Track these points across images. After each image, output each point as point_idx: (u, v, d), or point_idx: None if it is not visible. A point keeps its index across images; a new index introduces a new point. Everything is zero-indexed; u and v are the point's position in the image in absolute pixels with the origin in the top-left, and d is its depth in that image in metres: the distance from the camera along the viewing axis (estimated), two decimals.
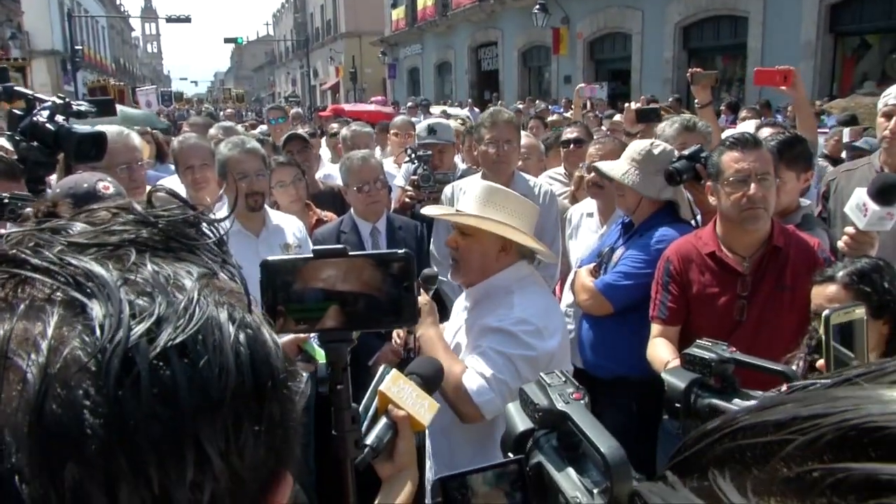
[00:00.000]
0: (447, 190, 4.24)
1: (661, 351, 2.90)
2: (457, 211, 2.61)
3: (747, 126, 5.84)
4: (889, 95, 3.60)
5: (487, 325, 2.45)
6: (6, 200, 2.08)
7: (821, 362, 1.88)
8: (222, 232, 0.61)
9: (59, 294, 0.49)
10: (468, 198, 2.59)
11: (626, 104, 6.19)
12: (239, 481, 0.51)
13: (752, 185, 2.76)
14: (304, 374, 1.37)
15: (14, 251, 0.52)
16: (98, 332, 0.47)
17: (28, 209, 0.62)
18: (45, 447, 0.44)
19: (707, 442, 0.43)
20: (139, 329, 0.48)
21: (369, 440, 1.52)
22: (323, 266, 1.21)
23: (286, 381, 0.57)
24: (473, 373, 2.37)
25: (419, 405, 1.64)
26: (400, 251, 1.26)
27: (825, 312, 1.72)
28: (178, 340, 0.49)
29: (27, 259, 0.51)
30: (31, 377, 0.45)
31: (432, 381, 1.77)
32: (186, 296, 0.52)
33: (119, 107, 8.97)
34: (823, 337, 1.71)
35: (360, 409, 1.64)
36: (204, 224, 0.60)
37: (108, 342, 0.47)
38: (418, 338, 2.58)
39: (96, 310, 0.48)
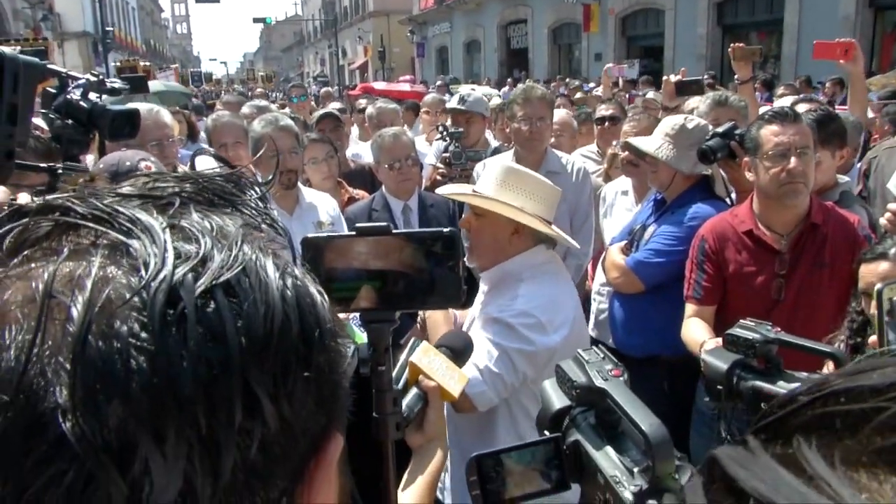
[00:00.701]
0: (479, 167, 4.22)
1: (696, 331, 2.86)
2: (473, 191, 2.53)
3: (784, 102, 5.73)
4: None
5: (490, 315, 2.38)
6: (60, 171, 2.10)
7: (873, 338, 1.83)
8: (265, 190, 0.60)
9: (104, 239, 0.49)
10: (486, 177, 2.51)
11: (666, 77, 6.03)
12: (289, 430, 0.50)
13: (793, 159, 2.70)
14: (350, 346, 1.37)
15: (60, 201, 0.51)
16: (143, 270, 0.47)
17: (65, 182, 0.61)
18: (88, 384, 0.43)
19: (794, 407, 0.42)
20: (184, 268, 0.47)
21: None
22: (366, 244, 1.18)
23: (334, 334, 0.55)
24: (469, 363, 2.32)
25: (449, 376, 1.64)
26: (445, 230, 1.24)
27: (878, 287, 1.68)
28: (222, 279, 0.48)
29: (73, 207, 0.50)
30: (74, 313, 0.44)
31: (462, 353, 1.77)
32: (231, 240, 0.51)
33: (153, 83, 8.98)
34: (876, 312, 1.66)
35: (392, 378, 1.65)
36: (245, 183, 0.59)
37: (153, 279, 0.46)
38: (426, 319, 2.51)
39: (141, 250, 0.48)
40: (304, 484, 0.54)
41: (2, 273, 0.47)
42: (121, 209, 0.50)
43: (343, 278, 1.19)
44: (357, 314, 1.30)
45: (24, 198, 1.93)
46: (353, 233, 1.18)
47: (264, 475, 0.49)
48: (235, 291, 0.48)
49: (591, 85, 15.01)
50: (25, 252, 0.49)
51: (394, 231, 1.19)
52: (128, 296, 0.45)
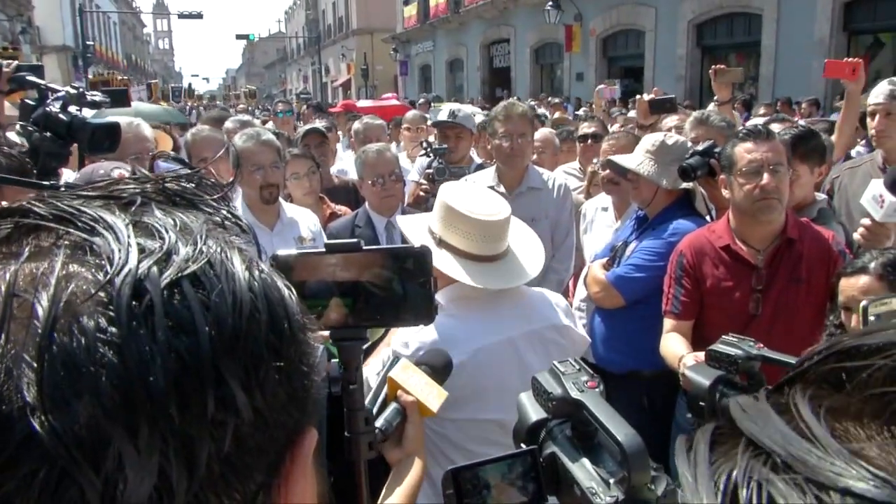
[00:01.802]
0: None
1: (674, 346, 2.88)
2: (429, 227, 2.36)
3: (759, 121, 5.82)
4: (873, 95, 3.73)
5: (392, 342, 2.25)
6: (48, 186, 2.07)
7: None
8: (225, 190, 0.60)
9: (66, 238, 0.48)
10: (434, 212, 2.36)
11: (639, 96, 6.10)
12: (263, 422, 0.50)
13: (766, 175, 2.74)
14: (320, 345, 1.35)
15: (18, 203, 0.51)
16: (107, 266, 0.46)
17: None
18: (55, 381, 0.42)
19: (807, 364, 0.45)
20: (148, 262, 0.47)
21: (378, 423, 1.51)
22: (336, 261, 1.18)
23: (303, 327, 0.55)
24: (434, 347, 2.14)
25: (428, 392, 1.64)
26: (416, 246, 1.24)
27: (863, 303, 1.70)
28: (188, 271, 0.48)
29: (32, 209, 0.50)
30: (39, 310, 0.44)
31: (442, 371, 1.77)
32: (195, 234, 0.51)
33: (135, 103, 8.92)
34: (861, 327, 1.69)
35: (370, 396, 1.64)
36: (206, 183, 0.59)
37: (118, 274, 0.46)
38: None
39: (104, 247, 0.47)
40: (280, 478, 0.53)
41: None
42: (82, 209, 0.50)
43: (314, 296, 1.18)
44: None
45: None
46: (323, 249, 1.17)
47: (240, 468, 0.49)
48: (202, 283, 0.48)
49: (572, 105, 15.12)
50: None
51: (364, 248, 1.19)
52: (93, 291, 0.45)
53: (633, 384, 3.23)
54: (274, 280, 0.54)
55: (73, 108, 2.82)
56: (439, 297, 2.24)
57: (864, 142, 5.75)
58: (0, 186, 2.25)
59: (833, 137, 4.88)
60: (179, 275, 0.47)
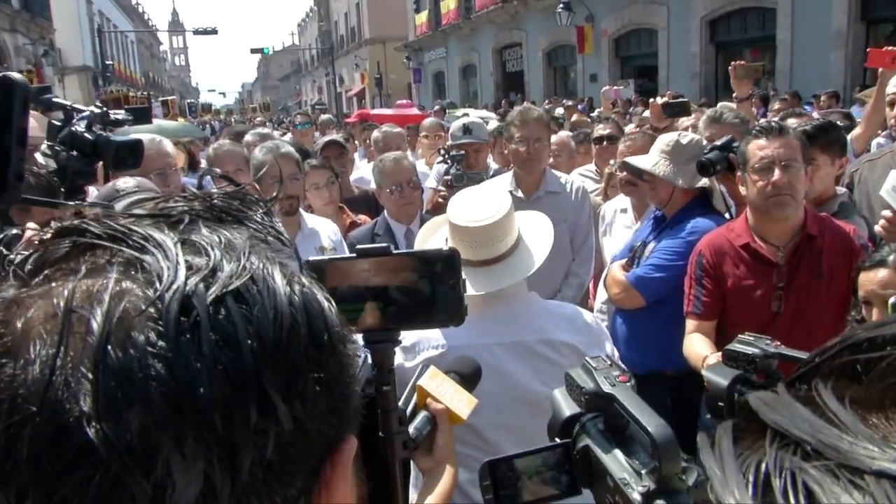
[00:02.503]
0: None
1: (697, 346, 2.88)
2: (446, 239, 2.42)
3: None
4: (892, 84, 3.68)
5: None
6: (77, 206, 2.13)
7: None
8: (270, 205, 0.63)
9: (119, 256, 0.51)
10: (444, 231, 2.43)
11: (652, 99, 6.13)
12: (303, 430, 0.52)
13: (777, 172, 2.74)
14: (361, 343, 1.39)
15: (76, 223, 0.54)
16: (157, 283, 0.49)
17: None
18: (109, 392, 0.45)
19: (824, 357, 0.46)
20: (195, 278, 0.50)
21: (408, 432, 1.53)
22: (367, 266, 1.20)
23: (343, 338, 0.58)
24: (462, 354, 2.14)
25: (457, 399, 1.65)
26: (444, 249, 1.26)
27: (892, 300, 1.69)
28: (232, 287, 0.51)
29: (88, 228, 0.53)
30: (94, 326, 0.47)
31: (470, 378, 1.79)
32: (238, 251, 0.54)
33: (157, 120, 9.04)
34: None
35: (400, 404, 1.66)
36: (250, 199, 0.62)
37: (167, 290, 0.49)
38: None
39: (154, 265, 0.50)
40: (320, 484, 0.56)
41: (24, 293, 0.50)
42: (134, 228, 0.53)
43: (345, 300, 1.21)
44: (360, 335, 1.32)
45: (33, 227, 1.96)
46: (354, 255, 1.20)
47: (281, 475, 0.51)
48: (245, 298, 0.51)
49: (594, 112, 15.08)
50: (45, 272, 0.51)
51: (394, 252, 1.21)
52: (143, 307, 0.48)
53: (657, 384, 3.22)
54: (314, 293, 0.56)
55: (96, 127, 2.90)
56: None
57: (884, 133, 5.71)
58: (30, 207, 2.32)
59: (858, 129, 4.85)
60: (224, 291, 0.50)
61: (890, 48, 4.85)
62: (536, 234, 2.43)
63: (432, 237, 2.51)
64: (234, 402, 0.48)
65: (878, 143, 5.42)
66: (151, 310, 0.48)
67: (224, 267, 0.52)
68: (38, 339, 0.47)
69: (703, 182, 3.34)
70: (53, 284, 0.50)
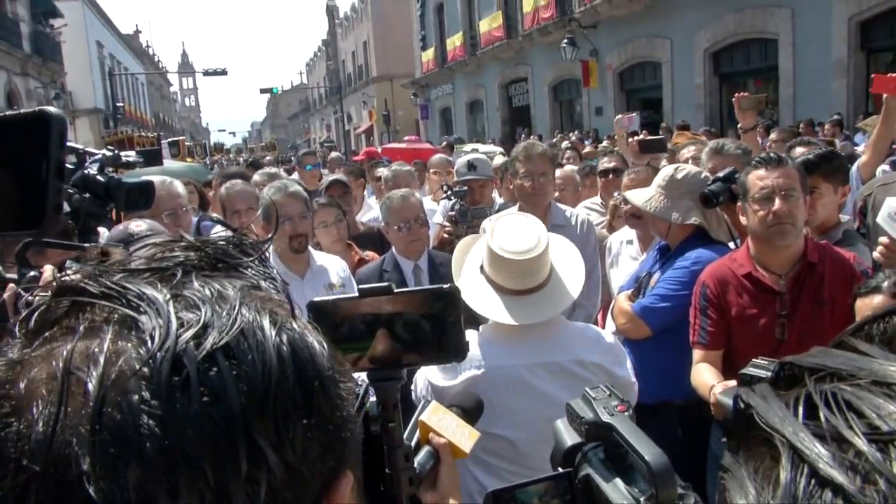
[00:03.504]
0: (485, 224, 4.30)
1: (705, 376, 2.90)
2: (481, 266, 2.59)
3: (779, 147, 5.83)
4: None
5: None
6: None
7: None
8: (263, 250, 0.67)
9: (114, 314, 0.54)
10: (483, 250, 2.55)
11: (631, 139, 6.32)
12: (295, 475, 0.55)
13: (777, 201, 2.78)
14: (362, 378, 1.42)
15: (75, 282, 0.58)
16: (149, 342, 0.52)
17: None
18: (107, 451, 0.48)
19: (867, 322, 0.59)
20: (186, 335, 0.53)
21: None
22: (369, 305, 1.23)
23: (335, 380, 0.60)
24: (465, 390, 2.36)
25: (460, 433, 1.67)
26: (445, 286, 1.28)
27: None
28: (222, 343, 0.53)
29: (86, 287, 0.56)
30: (91, 387, 0.50)
31: (472, 413, 1.81)
32: (230, 304, 0.56)
33: (166, 161, 9.13)
34: None
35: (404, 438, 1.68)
36: (246, 244, 0.66)
37: (159, 349, 0.51)
38: None
39: (147, 324, 0.53)
40: None
41: (28, 353, 0.53)
42: (129, 286, 0.56)
43: (349, 338, 1.23)
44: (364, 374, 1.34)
45: (49, 271, 2.01)
46: (357, 294, 1.23)
47: None
48: (234, 353, 0.53)
49: (603, 143, 15.16)
50: (46, 333, 0.55)
51: (395, 290, 1.24)
52: (137, 367, 0.51)
53: (665, 414, 3.23)
54: (305, 338, 0.59)
55: (108, 170, 2.96)
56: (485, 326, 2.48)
57: (889, 160, 5.73)
58: (46, 249, 2.38)
59: (864, 157, 4.85)
60: (214, 347, 0.53)
61: (893, 75, 4.84)
62: (567, 262, 2.56)
63: (466, 257, 2.64)
64: (225, 453, 0.50)
65: (883, 169, 5.43)
66: (145, 370, 0.51)
67: (214, 322, 0.54)
68: (41, 399, 0.50)
69: (694, 220, 3.36)
70: (53, 345, 0.53)
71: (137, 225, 3.09)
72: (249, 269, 0.63)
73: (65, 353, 0.52)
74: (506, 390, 2.39)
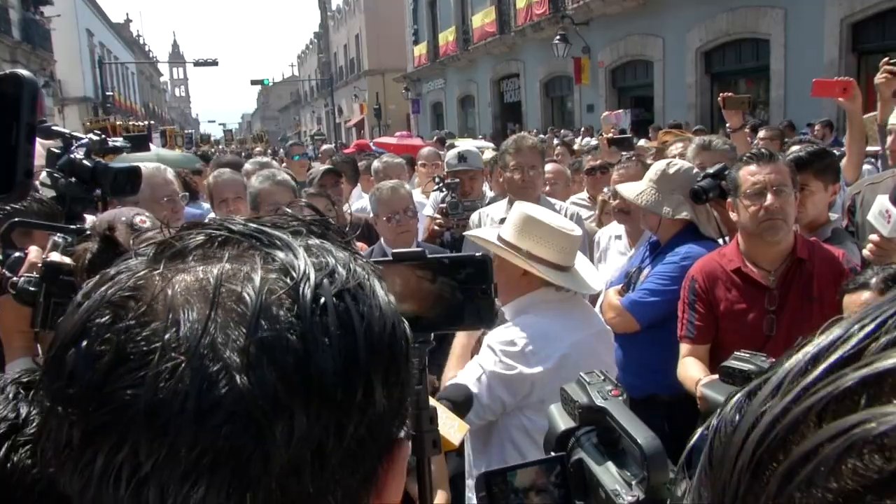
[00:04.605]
0: (474, 217, 4.30)
1: (691, 370, 2.90)
2: (498, 237, 2.69)
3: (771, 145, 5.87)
4: (892, 115, 3.75)
5: (485, 340, 2.56)
6: (87, 231, 2.16)
7: None
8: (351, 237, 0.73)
9: (255, 250, 0.60)
10: (507, 223, 2.69)
11: (600, 135, 6.55)
12: (381, 422, 0.60)
13: (769, 196, 2.79)
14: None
15: (209, 221, 0.64)
16: (292, 273, 0.58)
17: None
18: (256, 353, 0.54)
19: None
20: (320, 275, 0.59)
21: None
22: (402, 269, 1.24)
23: (411, 353, 0.67)
24: (455, 383, 2.46)
25: (449, 426, 1.67)
26: (477, 255, 1.29)
27: None
28: (349, 286, 0.60)
29: (227, 225, 0.62)
30: (247, 298, 0.56)
31: (462, 405, 1.82)
32: (345, 261, 0.63)
33: (156, 149, 9.07)
34: None
35: None
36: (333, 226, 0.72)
37: (301, 280, 0.58)
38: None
39: (288, 260, 0.59)
40: (379, 474, 0.63)
41: (165, 269, 0.58)
42: (266, 229, 0.62)
43: None
44: None
45: (34, 252, 1.98)
46: (390, 258, 1.24)
47: (363, 453, 0.60)
48: (357, 297, 0.60)
49: (589, 140, 15.16)
50: (184, 257, 0.59)
51: (428, 255, 1.25)
52: (283, 291, 0.57)
53: (653, 409, 3.22)
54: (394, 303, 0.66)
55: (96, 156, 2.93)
56: (523, 302, 2.63)
57: (870, 160, 5.77)
58: (32, 230, 2.35)
59: (844, 161, 4.88)
60: (343, 288, 0.60)
61: (840, 78, 4.87)
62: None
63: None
64: (347, 379, 0.57)
65: (868, 168, 5.46)
66: (290, 293, 0.57)
67: (339, 270, 0.61)
68: (186, 304, 0.55)
69: (685, 214, 3.36)
70: (196, 264, 0.58)
71: (142, 221, 3.01)
72: (344, 243, 0.69)
73: (214, 270, 0.57)
74: (588, 361, 2.48)
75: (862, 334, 0.38)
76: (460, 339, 2.64)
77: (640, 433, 0.93)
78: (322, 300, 0.58)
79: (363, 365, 0.58)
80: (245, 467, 0.53)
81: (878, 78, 4.49)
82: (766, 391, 0.40)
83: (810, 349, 0.40)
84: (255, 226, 0.62)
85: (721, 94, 5.47)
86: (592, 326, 2.74)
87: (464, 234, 3.27)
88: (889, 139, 3.84)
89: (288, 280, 0.58)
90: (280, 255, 0.59)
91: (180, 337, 0.54)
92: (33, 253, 1.92)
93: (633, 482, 0.93)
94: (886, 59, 4.52)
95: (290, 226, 0.65)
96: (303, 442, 0.54)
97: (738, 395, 0.44)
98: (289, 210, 0.68)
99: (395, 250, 1.27)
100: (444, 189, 4.70)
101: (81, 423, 0.54)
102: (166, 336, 0.54)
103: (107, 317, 0.56)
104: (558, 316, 2.60)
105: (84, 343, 0.55)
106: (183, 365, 0.53)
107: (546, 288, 2.62)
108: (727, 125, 5.48)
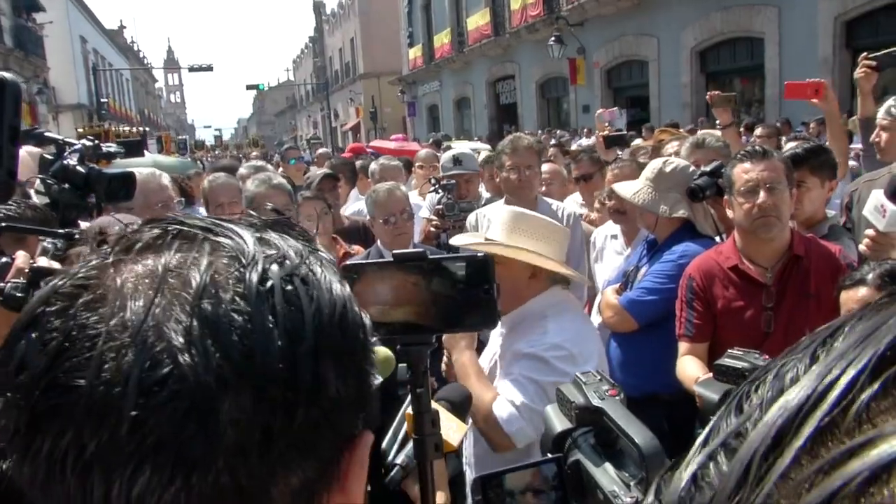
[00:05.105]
0: (471, 218, 4.28)
1: (690, 368, 2.89)
2: (486, 239, 2.59)
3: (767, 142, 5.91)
4: (882, 110, 3.78)
5: (520, 351, 2.41)
6: (76, 236, 2.15)
7: None
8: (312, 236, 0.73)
9: (207, 241, 0.61)
10: (496, 225, 2.57)
11: (597, 133, 6.63)
12: (336, 410, 0.60)
13: (762, 194, 2.78)
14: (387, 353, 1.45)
15: (166, 216, 0.64)
16: (241, 259, 0.59)
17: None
18: (200, 334, 0.54)
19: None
20: (270, 260, 0.60)
21: (399, 459, 1.53)
22: (402, 270, 1.24)
23: (369, 341, 0.66)
24: (504, 401, 2.33)
25: (447, 427, 1.65)
26: (479, 254, 1.28)
27: None
28: (299, 272, 0.60)
29: (182, 219, 0.63)
30: (192, 281, 0.56)
31: (461, 406, 1.80)
32: (301, 251, 0.64)
33: (152, 155, 9.04)
34: None
35: (390, 433, 1.66)
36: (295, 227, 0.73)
37: (249, 264, 0.58)
38: (452, 363, 2.53)
39: (237, 247, 0.60)
40: (339, 467, 0.62)
41: (119, 259, 0.59)
42: (218, 221, 0.63)
43: (381, 303, 1.23)
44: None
45: (22, 257, 1.96)
46: (391, 259, 1.22)
47: (317, 440, 0.59)
48: (308, 282, 0.61)
49: (584, 140, 15.16)
50: (137, 248, 0.60)
51: (430, 256, 1.24)
52: (230, 273, 0.58)
53: (653, 408, 3.20)
54: (351, 295, 0.66)
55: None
56: (537, 305, 2.53)
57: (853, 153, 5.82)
58: (26, 236, 2.33)
59: None
60: (292, 273, 0.60)
61: (811, 80, 4.92)
62: None
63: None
64: (295, 360, 0.56)
65: (852, 164, 5.56)
66: (237, 275, 0.57)
67: (291, 257, 0.61)
68: (135, 291, 0.56)
69: (682, 213, 3.35)
70: (147, 254, 0.59)
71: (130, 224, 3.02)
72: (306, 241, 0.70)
73: (163, 258, 0.58)
74: (601, 357, 2.60)
75: (831, 399, 0.33)
76: (463, 356, 2.48)
77: (639, 433, 0.91)
78: (270, 283, 0.58)
79: (310, 346, 0.58)
80: (190, 448, 0.53)
81: (858, 72, 4.51)
82: (733, 474, 0.35)
83: (774, 415, 0.35)
84: (210, 219, 0.64)
85: (709, 93, 5.55)
86: (592, 321, 2.73)
87: (450, 241, 3.16)
88: (875, 133, 3.84)
89: (237, 264, 0.58)
90: (230, 243, 0.60)
91: (126, 320, 0.54)
92: (20, 258, 1.90)
93: (632, 483, 0.91)
94: (865, 53, 4.53)
95: (248, 222, 0.66)
96: (249, 421, 0.54)
97: (699, 455, 0.38)
98: (253, 212, 0.70)
99: (395, 251, 1.26)
100: (440, 191, 4.68)
101: (28, 408, 0.54)
102: (112, 321, 0.54)
103: (57, 306, 0.57)
104: (577, 314, 2.60)
105: (34, 332, 0.56)
106: (126, 347, 0.53)
107: (555, 287, 2.54)
108: (717, 122, 5.55)
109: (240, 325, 0.55)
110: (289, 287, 0.59)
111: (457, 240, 2.83)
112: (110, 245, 0.62)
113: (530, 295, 2.52)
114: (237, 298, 0.56)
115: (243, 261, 0.59)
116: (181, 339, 0.54)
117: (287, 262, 0.61)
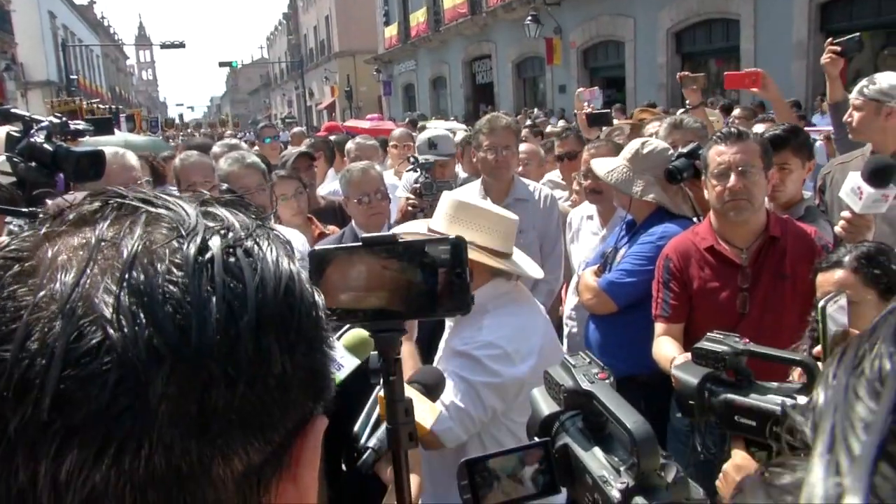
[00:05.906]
0: (446, 202, 4.24)
1: (666, 349, 2.90)
2: (428, 228, 2.46)
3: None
4: (855, 91, 3.83)
5: (454, 348, 2.33)
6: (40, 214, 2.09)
7: (817, 349, 1.86)
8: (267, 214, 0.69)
9: (146, 212, 0.58)
10: (437, 213, 2.45)
11: (580, 111, 6.68)
12: (285, 386, 0.56)
13: (732, 177, 2.79)
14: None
15: (108, 190, 0.61)
16: (180, 229, 0.56)
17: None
18: (130, 305, 0.51)
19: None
20: (211, 231, 0.57)
21: (371, 443, 1.52)
22: (371, 254, 1.19)
23: (324, 325, 0.62)
24: (427, 366, 2.24)
25: (420, 409, 1.64)
26: (451, 236, 1.24)
27: (821, 303, 1.72)
28: (243, 244, 0.57)
29: (119, 192, 0.60)
30: (124, 250, 0.53)
31: (434, 389, 1.79)
32: (247, 224, 0.61)
33: (123, 134, 8.88)
34: (820, 325, 1.70)
35: (363, 416, 1.64)
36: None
37: (188, 233, 0.56)
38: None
39: (178, 218, 0.57)
40: (291, 452, 0.59)
41: (55, 230, 0.56)
42: (161, 195, 0.60)
43: (351, 289, 1.19)
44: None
45: None
46: (359, 243, 1.18)
47: (264, 420, 0.55)
48: (251, 254, 0.57)
49: (556, 117, 15.17)
50: (75, 220, 0.57)
51: (399, 240, 1.20)
52: (166, 242, 0.55)
53: (630, 389, 3.19)
54: (303, 274, 0.62)
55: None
56: (477, 299, 2.32)
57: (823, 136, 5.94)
58: None
59: None
60: (235, 243, 0.57)
61: (749, 70, 5.05)
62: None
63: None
64: (236, 333, 0.53)
65: (818, 146, 5.69)
66: (174, 245, 0.54)
67: (235, 228, 0.58)
68: (67, 263, 0.53)
69: (651, 196, 3.33)
70: (84, 226, 0.56)
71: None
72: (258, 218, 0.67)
73: (97, 230, 0.55)
74: (552, 349, 2.48)
75: None
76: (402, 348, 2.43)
77: (630, 417, 0.89)
78: (210, 253, 0.55)
79: (252, 318, 0.54)
80: (119, 424, 0.49)
81: (824, 58, 4.58)
82: None
83: None
84: (154, 192, 0.61)
85: (678, 74, 5.63)
86: (542, 311, 2.61)
87: (392, 230, 3.02)
88: (847, 113, 3.86)
89: (174, 235, 0.56)
90: (170, 214, 0.58)
91: (55, 291, 0.51)
92: None
93: (622, 468, 0.90)
94: (830, 39, 4.59)
95: (196, 197, 0.63)
96: (184, 397, 0.51)
97: None
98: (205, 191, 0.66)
99: (364, 235, 1.21)
100: (417, 169, 4.64)
101: None
102: (41, 293, 0.52)
103: None
104: (520, 307, 2.44)
105: None
106: (53, 318, 0.50)
107: (497, 280, 2.40)
108: (686, 102, 5.66)
109: (175, 295, 0.52)
110: (231, 259, 0.56)
111: (399, 228, 2.74)
112: (47, 218, 0.59)
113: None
114: (173, 269, 0.53)
115: (182, 231, 0.56)
116: (110, 311, 0.51)
117: (230, 233, 0.58)
